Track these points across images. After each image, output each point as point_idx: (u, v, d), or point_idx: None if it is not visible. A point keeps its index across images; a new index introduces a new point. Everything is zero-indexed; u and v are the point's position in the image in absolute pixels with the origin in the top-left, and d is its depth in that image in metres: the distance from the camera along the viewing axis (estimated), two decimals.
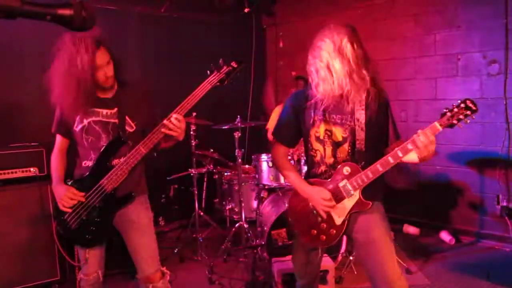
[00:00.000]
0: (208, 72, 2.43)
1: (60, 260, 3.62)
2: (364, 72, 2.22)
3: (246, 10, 5.92)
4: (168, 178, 4.84)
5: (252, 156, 4.51)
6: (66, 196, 2.39)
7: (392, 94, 5.03)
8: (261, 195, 4.28)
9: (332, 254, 3.72)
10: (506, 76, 4.42)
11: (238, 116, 4.36)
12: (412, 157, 2.18)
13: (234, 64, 2.45)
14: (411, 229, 4.95)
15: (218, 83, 2.41)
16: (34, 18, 0.98)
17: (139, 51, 5.06)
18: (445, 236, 4.72)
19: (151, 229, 2.60)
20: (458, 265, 4.11)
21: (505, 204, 4.52)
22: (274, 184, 4.24)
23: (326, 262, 3.50)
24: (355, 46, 2.22)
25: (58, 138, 2.60)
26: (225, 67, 2.43)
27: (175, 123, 2.32)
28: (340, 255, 3.81)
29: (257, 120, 5.45)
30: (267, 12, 6.52)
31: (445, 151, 4.85)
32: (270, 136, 4.23)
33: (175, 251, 4.50)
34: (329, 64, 2.19)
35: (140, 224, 2.53)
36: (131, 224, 2.51)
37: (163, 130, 2.34)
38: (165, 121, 2.33)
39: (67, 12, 1.01)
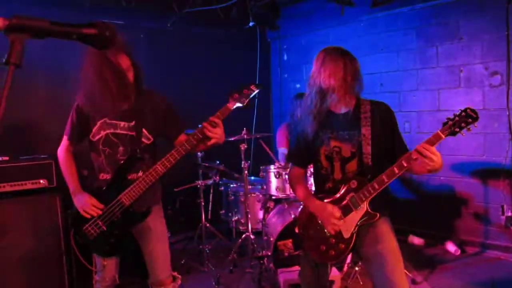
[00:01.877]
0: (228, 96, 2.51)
1: (69, 271, 3.65)
2: (357, 88, 2.36)
3: (250, 23, 6.03)
4: (175, 189, 4.87)
5: (260, 167, 4.55)
6: (89, 203, 2.45)
7: (395, 105, 5.13)
8: (268, 206, 4.32)
9: (338, 264, 3.74)
10: (508, 87, 4.46)
11: (244, 129, 4.41)
12: (418, 168, 2.23)
13: (253, 88, 2.54)
14: (416, 240, 4.97)
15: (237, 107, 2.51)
16: (61, 38, 1.04)
17: (146, 65, 5.12)
18: (450, 246, 4.74)
19: (166, 236, 2.72)
20: (463, 276, 4.13)
21: (509, 214, 4.53)
22: (281, 195, 4.27)
23: (332, 273, 3.52)
24: (355, 66, 2.35)
25: (66, 141, 2.63)
26: (244, 91, 2.51)
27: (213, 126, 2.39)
28: (346, 265, 3.83)
29: (262, 132, 5.50)
30: (271, 25, 6.62)
31: (449, 162, 4.88)
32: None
33: (182, 262, 4.52)
34: (333, 85, 2.30)
35: (156, 232, 2.62)
36: (148, 231, 2.59)
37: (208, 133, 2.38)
38: (204, 123, 2.40)
39: (92, 31, 1.07)
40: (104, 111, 2.48)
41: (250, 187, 4.66)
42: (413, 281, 3.90)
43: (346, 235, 2.36)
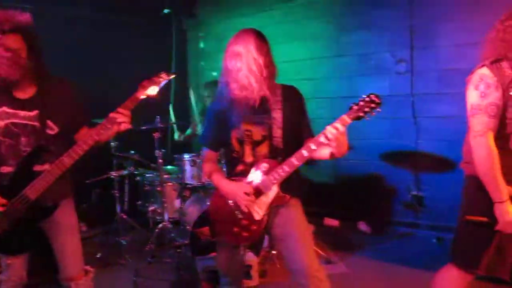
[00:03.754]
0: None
1: None
2: (272, 73, 2.36)
3: (165, 11, 5.90)
4: (87, 181, 4.68)
5: (175, 156, 4.48)
6: None
7: (311, 92, 5.25)
8: (184, 194, 4.28)
9: (255, 248, 3.78)
10: (412, 74, 4.75)
11: (158, 117, 4.31)
12: (324, 152, 2.31)
13: (164, 76, 2.52)
14: (331, 222, 5.17)
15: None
16: None
17: (58, 51, 4.84)
18: (363, 226, 4.98)
19: (76, 230, 2.61)
20: (375, 253, 4.37)
21: (415, 193, 4.86)
22: (197, 183, 4.25)
23: (250, 257, 3.56)
24: (267, 50, 2.35)
25: None
26: (155, 79, 2.49)
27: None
28: (263, 249, 3.89)
29: (180, 120, 5.43)
30: (188, 13, 6.51)
31: (360, 146, 5.09)
32: None
33: (98, 256, 4.37)
34: (245, 68, 2.29)
35: (65, 226, 2.53)
36: (57, 226, 2.49)
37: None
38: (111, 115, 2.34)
39: None
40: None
41: (166, 176, 4.59)
42: (329, 261, 4.06)
43: (258, 216, 2.38)
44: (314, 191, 5.34)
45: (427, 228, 4.74)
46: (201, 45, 6.50)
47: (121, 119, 2.33)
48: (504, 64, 2.17)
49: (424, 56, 4.69)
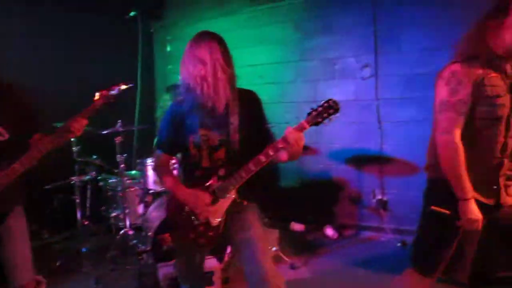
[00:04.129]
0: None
1: None
2: (234, 78, 2.35)
3: (131, 13, 5.80)
4: (47, 187, 4.53)
5: (137, 161, 4.40)
6: None
7: (276, 96, 5.25)
8: (146, 200, 4.20)
9: (218, 255, 3.73)
10: (377, 79, 4.79)
11: (119, 121, 4.22)
12: (281, 156, 2.30)
13: (122, 86, 2.56)
14: (297, 226, 5.14)
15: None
16: None
17: (17, 51, 4.69)
18: (328, 231, 4.98)
19: (26, 237, 2.54)
20: (340, 257, 4.36)
21: (380, 197, 4.89)
22: (159, 189, 4.18)
23: (212, 263, 3.51)
24: (226, 54, 2.34)
25: None
26: (113, 87, 2.53)
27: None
28: (226, 255, 3.84)
29: (145, 125, 5.34)
30: (155, 15, 6.42)
31: (326, 151, 5.14)
32: None
33: (58, 264, 4.24)
34: (210, 74, 2.26)
35: (15, 233, 2.46)
36: (6, 233, 2.42)
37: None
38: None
39: None
40: None
41: (129, 181, 4.50)
42: (292, 267, 4.03)
43: (215, 222, 2.35)
44: (280, 196, 5.34)
45: (391, 232, 4.77)
46: (168, 48, 6.41)
47: (75, 128, 2.29)
48: (476, 63, 2.18)
49: (388, 61, 4.74)
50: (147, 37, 6.45)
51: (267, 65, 5.44)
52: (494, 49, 2.17)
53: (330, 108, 2.19)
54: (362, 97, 4.89)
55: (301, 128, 2.19)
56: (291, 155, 2.28)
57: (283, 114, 5.12)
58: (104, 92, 2.49)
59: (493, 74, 2.17)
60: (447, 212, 2.23)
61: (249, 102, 2.41)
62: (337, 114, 2.21)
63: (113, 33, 5.72)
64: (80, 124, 2.39)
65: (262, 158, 2.24)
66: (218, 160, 2.38)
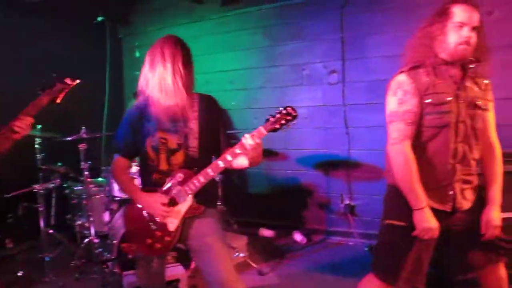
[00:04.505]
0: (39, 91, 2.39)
1: None
2: (193, 82, 2.34)
3: (98, 18, 5.74)
4: (6, 196, 4.41)
5: (102, 168, 4.32)
6: None
7: (245, 102, 5.25)
8: (111, 207, 4.13)
9: (184, 262, 3.69)
10: (344, 85, 4.84)
11: (83, 128, 4.14)
12: (241, 161, 2.29)
13: (68, 81, 2.44)
14: (266, 232, 5.12)
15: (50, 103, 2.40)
16: None
17: None
18: (297, 236, 4.98)
19: None
20: (308, 263, 4.36)
21: (347, 202, 4.93)
22: (125, 196, 4.11)
23: (178, 271, 3.47)
24: (187, 59, 2.31)
25: None
26: (58, 85, 2.36)
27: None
28: (193, 262, 3.79)
29: (113, 131, 5.26)
30: (123, 21, 6.37)
31: (295, 156, 5.15)
32: None
33: (19, 275, 4.12)
34: (163, 77, 2.25)
35: None
36: None
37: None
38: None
39: None
40: None
41: (95, 189, 4.41)
42: (260, 273, 4.02)
43: (172, 227, 2.33)
44: (249, 202, 5.33)
45: (359, 236, 4.81)
46: (137, 54, 6.36)
47: (19, 127, 2.23)
48: (422, 71, 2.21)
49: (355, 67, 4.79)
50: (116, 42, 6.39)
51: (236, 71, 5.44)
52: (440, 55, 2.21)
53: (288, 115, 2.21)
54: (330, 102, 4.93)
55: (258, 134, 2.19)
56: (251, 161, 2.28)
57: (252, 120, 5.12)
58: (48, 89, 2.42)
59: (439, 81, 2.19)
60: (402, 223, 2.25)
61: (208, 106, 2.41)
62: (294, 121, 2.24)
63: (81, 38, 5.64)
64: (25, 123, 2.30)
65: (221, 163, 2.24)
66: (176, 164, 2.35)
